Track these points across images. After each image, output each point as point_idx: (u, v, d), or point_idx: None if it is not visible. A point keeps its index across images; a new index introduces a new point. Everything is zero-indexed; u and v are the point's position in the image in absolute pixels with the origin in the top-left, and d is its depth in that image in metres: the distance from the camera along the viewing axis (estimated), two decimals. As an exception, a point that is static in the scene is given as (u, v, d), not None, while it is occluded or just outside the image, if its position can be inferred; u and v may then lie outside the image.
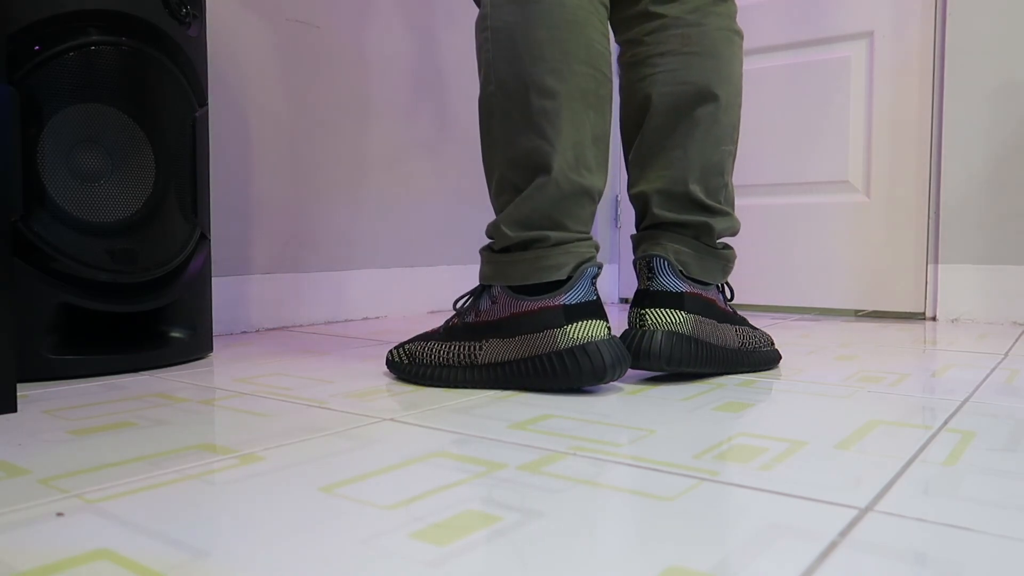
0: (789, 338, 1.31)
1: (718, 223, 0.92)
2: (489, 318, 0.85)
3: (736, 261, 1.88)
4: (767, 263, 1.84)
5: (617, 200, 2.11)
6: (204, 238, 1.08)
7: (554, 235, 0.83)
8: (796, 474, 0.55)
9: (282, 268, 1.45)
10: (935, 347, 1.19)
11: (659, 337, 0.85)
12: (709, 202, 0.92)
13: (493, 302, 0.86)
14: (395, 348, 0.93)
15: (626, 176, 0.99)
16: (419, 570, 0.39)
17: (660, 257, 0.89)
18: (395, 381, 0.91)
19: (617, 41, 0.98)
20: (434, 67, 1.74)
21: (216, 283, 1.33)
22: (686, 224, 0.91)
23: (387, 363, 0.93)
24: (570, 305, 0.82)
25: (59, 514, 0.47)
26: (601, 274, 2.07)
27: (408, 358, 0.90)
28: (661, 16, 0.92)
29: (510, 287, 0.84)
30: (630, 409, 0.76)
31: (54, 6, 0.90)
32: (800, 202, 1.79)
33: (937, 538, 0.43)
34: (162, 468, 0.56)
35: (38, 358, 0.91)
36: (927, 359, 1.08)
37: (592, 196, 0.86)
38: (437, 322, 1.55)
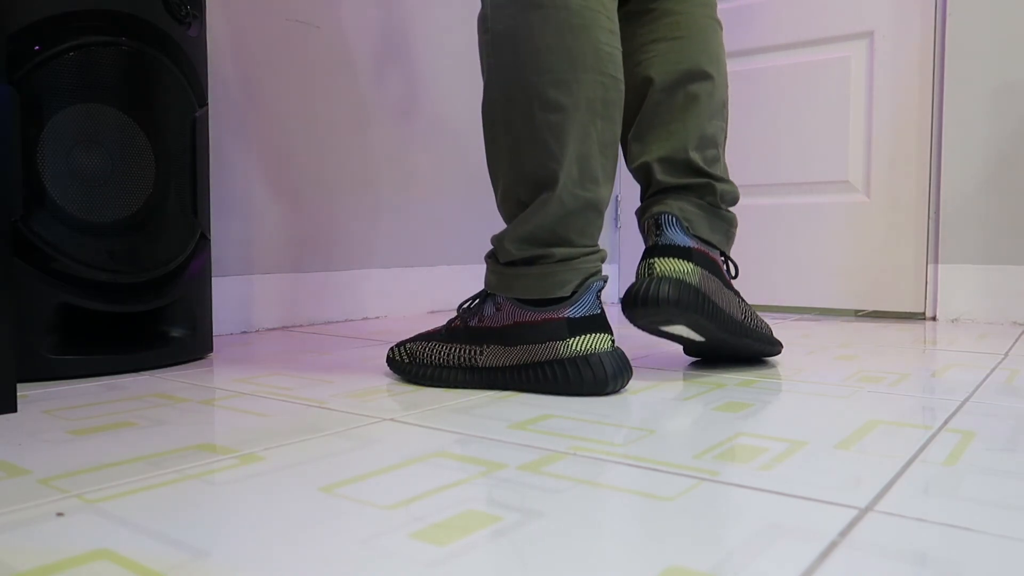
0: (789, 338, 1.31)
1: (719, 185, 0.96)
2: (492, 324, 0.85)
3: (736, 264, 1.88)
4: (767, 263, 1.84)
5: (617, 200, 2.11)
6: (204, 238, 1.08)
7: (559, 251, 0.82)
8: (796, 474, 0.55)
9: (282, 268, 1.45)
10: (935, 347, 1.19)
11: (667, 284, 0.87)
12: (708, 169, 0.96)
13: (497, 309, 0.85)
14: (396, 346, 0.93)
15: (625, 161, 1.02)
16: (419, 570, 0.39)
17: (668, 213, 0.92)
18: (395, 381, 0.91)
19: None
20: (435, 66, 1.74)
21: (216, 283, 1.33)
22: (689, 186, 0.95)
23: (388, 360, 0.93)
24: (574, 319, 0.81)
25: (59, 514, 0.47)
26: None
27: (409, 357, 0.90)
28: (651, 10, 0.98)
29: (516, 297, 0.84)
30: (630, 409, 0.76)
31: (54, 6, 0.90)
32: (800, 202, 1.79)
33: (937, 538, 0.43)
34: (162, 468, 0.56)
35: (38, 358, 0.91)
36: (927, 359, 1.08)
37: (599, 209, 0.84)
38: (437, 322, 1.55)
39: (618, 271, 2.14)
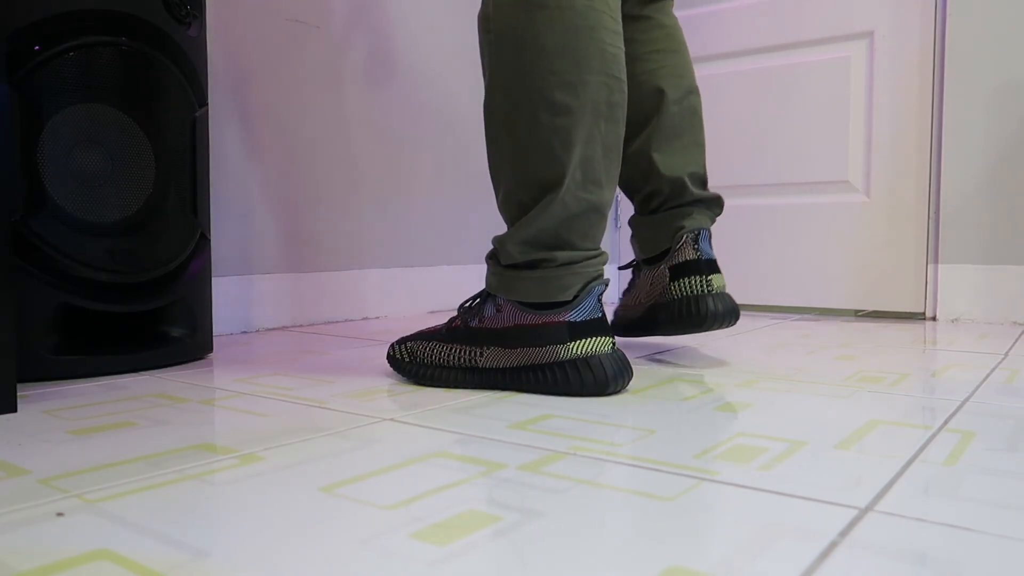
0: (789, 338, 1.31)
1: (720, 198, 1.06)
2: (493, 326, 0.85)
3: (736, 260, 1.88)
4: (767, 263, 1.84)
5: (617, 200, 2.11)
6: (204, 238, 1.08)
7: (561, 255, 0.81)
8: (796, 474, 0.55)
9: (282, 268, 1.45)
10: (935, 347, 1.19)
11: (729, 298, 1.00)
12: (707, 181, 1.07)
13: (498, 310, 0.85)
14: (397, 343, 0.92)
15: (636, 166, 1.08)
16: (419, 570, 0.39)
17: (705, 229, 1.02)
18: (395, 381, 0.91)
19: None
20: (436, 66, 1.74)
21: (216, 283, 1.33)
22: (708, 200, 1.04)
23: (388, 357, 0.92)
24: (575, 323, 0.81)
25: (59, 514, 0.47)
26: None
27: (409, 356, 0.90)
28: (647, 17, 1.05)
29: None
30: (630, 409, 0.76)
31: (54, 6, 0.90)
32: (800, 202, 1.79)
33: (937, 538, 0.43)
34: (162, 468, 0.56)
35: (38, 358, 0.91)
36: (927, 359, 1.08)
37: (601, 212, 0.84)
38: (437, 322, 1.55)
39: (617, 272, 2.13)
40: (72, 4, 0.91)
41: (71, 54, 0.91)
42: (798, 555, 0.41)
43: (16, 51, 0.89)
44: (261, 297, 1.40)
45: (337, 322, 1.53)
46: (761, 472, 0.55)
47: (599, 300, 0.83)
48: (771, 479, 0.53)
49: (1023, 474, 0.55)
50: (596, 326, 0.81)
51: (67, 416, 0.73)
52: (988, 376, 0.94)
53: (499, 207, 0.87)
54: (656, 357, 1.09)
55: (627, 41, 1.03)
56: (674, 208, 1.04)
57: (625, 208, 2.11)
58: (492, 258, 0.87)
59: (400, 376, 0.93)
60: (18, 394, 0.82)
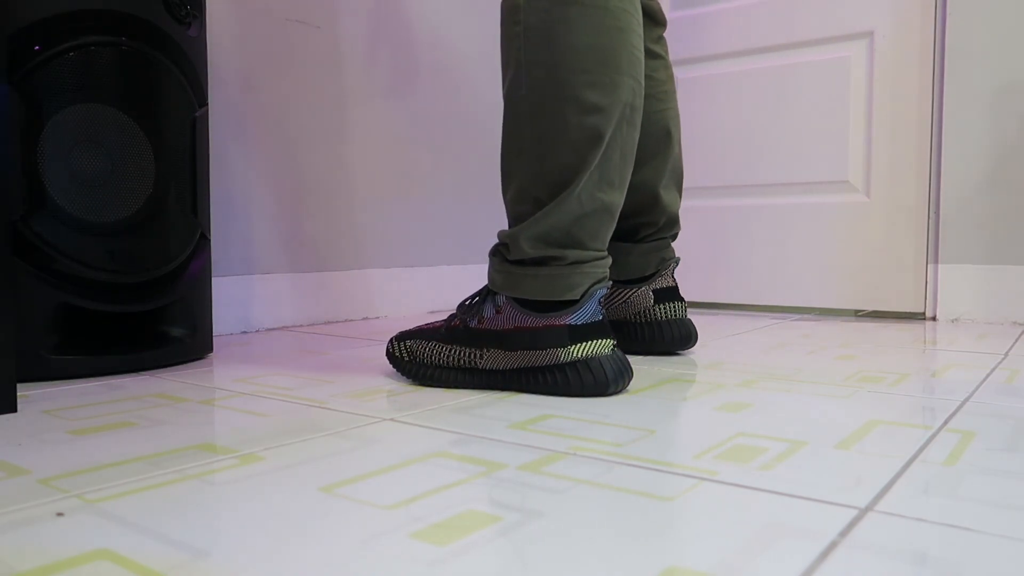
0: (789, 338, 1.31)
1: None
2: (492, 327, 0.84)
3: (736, 260, 1.88)
4: (767, 263, 1.84)
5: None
6: (204, 238, 1.08)
7: (571, 254, 0.81)
8: (796, 474, 0.55)
9: (282, 268, 1.45)
10: (935, 347, 1.19)
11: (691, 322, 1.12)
12: None
13: (498, 311, 0.84)
14: (396, 339, 0.92)
15: (641, 197, 1.14)
16: (419, 570, 0.39)
17: (678, 260, 1.16)
18: (395, 381, 0.91)
19: None
20: (436, 65, 1.74)
21: (216, 283, 1.33)
22: (676, 234, 1.17)
23: (387, 354, 0.92)
24: (575, 326, 0.81)
25: (59, 514, 0.47)
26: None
27: (409, 355, 0.90)
28: (659, 55, 1.10)
29: (517, 299, 0.83)
30: (630, 409, 0.76)
31: (54, 6, 0.90)
32: (800, 202, 1.79)
33: (937, 538, 0.43)
34: (162, 468, 0.56)
35: (38, 358, 0.91)
36: (927, 359, 1.08)
37: (612, 213, 0.83)
38: (437, 322, 1.55)
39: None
40: (72, 4, 0.91)
41: (71, 54, 0.91)
42: (798, 555, 0.41)
43: (16, 51, 0.89)
44: (261, 297, 1.40)
45: (337, 322, 1.53)
46: (761, 472, 0.55)
47: (599, 303, 0.83)
48: (771, 479, 0.53)
49: (1023, 474, 0.55)
50: (597, 328, 0.81)
51: (67, 416, 0.73)
52: (988, 376, 0.94)
53: (508, 201, 0.85)
54: (656, 357, 1.09)
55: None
56: (660, 239, 1.14)
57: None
58: (497, 254, 0.86)
59: (400, 375, 0.93)
60: (18, 394, 0.82)
